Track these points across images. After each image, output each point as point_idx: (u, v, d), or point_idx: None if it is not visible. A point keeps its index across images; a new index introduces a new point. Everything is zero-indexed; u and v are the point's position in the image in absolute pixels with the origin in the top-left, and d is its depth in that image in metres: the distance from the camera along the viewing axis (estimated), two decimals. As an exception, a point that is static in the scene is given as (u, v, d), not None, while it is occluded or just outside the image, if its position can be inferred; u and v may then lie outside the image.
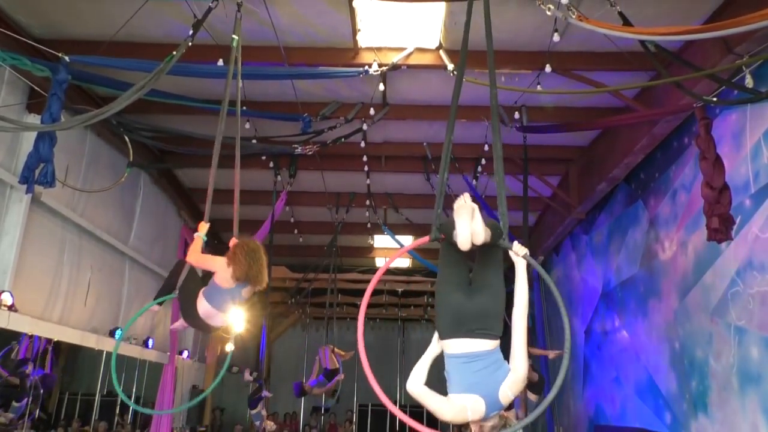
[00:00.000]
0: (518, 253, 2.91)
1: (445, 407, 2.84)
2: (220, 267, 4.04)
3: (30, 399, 7.08)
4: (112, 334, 7.84)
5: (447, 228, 3.03)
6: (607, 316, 8.34)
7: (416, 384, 2.95)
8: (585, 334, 9.14)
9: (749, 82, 4.68)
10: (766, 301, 4.82)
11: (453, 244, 2.98)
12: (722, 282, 5.45)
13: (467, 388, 2.82)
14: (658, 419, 6.67)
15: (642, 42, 4.72)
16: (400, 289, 14.29)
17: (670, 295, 6.47)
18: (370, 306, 16.93)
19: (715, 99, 5.08)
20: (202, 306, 4.09)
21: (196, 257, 4.14)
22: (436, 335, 3.10)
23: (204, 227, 4.33)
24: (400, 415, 2.92)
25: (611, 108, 7.01)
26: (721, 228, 4.80)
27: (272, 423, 10.60)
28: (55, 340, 6.95)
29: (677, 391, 6.25)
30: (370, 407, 15.99)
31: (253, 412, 9.90)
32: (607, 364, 8.24)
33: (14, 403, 6.87)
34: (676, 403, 6.26)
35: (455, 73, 5.73)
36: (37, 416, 7.42)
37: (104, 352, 8.11)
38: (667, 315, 6.53)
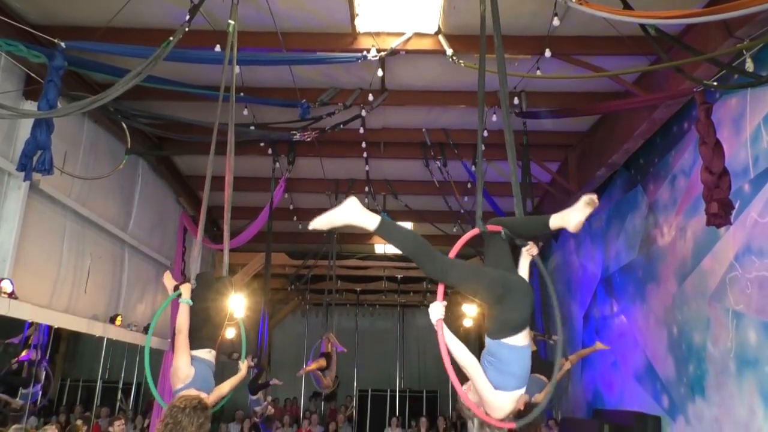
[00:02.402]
0: (532, 253, 3.11)
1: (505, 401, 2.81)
2: (178, 370, 3.66)
3: (41, 386, 7.14)
4: (112, 321, 7.88)
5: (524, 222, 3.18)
6: (606, 302, 8.38)
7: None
8: (583, 319, 9.18)
9: (749, 66, 4.65)
10: (764, 286, 4.84)
11: (506, 240, 3.09)
12: (720, 267, 5.46)
13: (526, 376, 2.88)
14: (655, 403, 6.72)
15: (642, 26, 4.69)
16: (399, 276, 14.33)
17: (668, 280, 6.49)
18: (369, 292, 16.94)
19: (715, 83, 5.06)
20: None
21: (184, 334, 3.73)
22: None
23: (187, 289, 3.90)
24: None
25: (611, 93, 6.98)
26: (720, 213, 4.80)
27: (272, 407, 10.69)
28: (56, 327, 6.96)
29: (675, 376, 6.29)
30: (369, 392, 16.08)
31: (253, 398, 9.96)
32: (606, 349, 8.29)
33: (22, 390, 6.92)
34: (674, 387, 6.31)
35: (454, 58, 5.73)
36: (39, 402, 7.46)
37: (105, 339, 8.14)
38: (665, 300, 6.56)
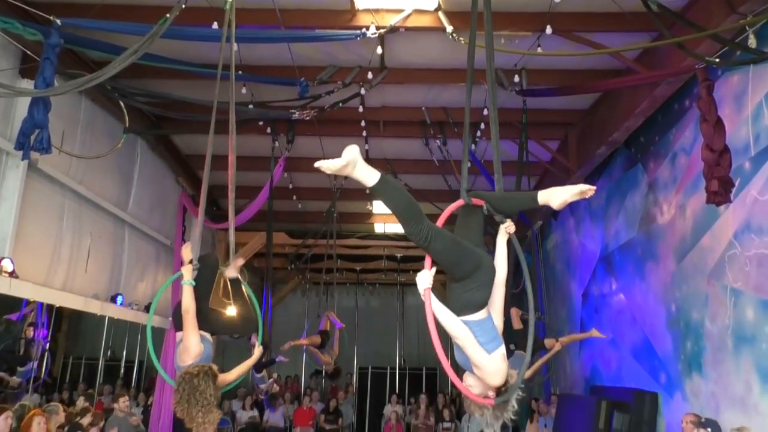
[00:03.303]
0: (509, 231, 3.15)
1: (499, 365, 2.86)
2: (190, 347, 3.71)
3: (35, 364, 7.18)
4: (113, 299, 7.92)
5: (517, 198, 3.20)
6: (605, 280, 8.42)
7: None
8: (582, 297, 9.23)
9: (752, 42, 4.61)
10: (762, 263, 4.86)
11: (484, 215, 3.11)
12: (720, 244, 5.48)
13: (497, 336, 2.91)
14: (653, 379, 6.79)
15: (644, 1, 4.64)
16: (399, 255, 14.36)
17: (667, 258, 6.52)
18: (369, 271, 16.95)
19: (717, 60, 5.02)
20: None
21: (192, 314, 3.76)
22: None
23: (188, 271, 3.86)
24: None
25: (612, 70, 6.93)
26: (721, 191, 4.79)
27: (277, 385, 10.83)
28: (57, 306, 6.99)
29: (672, 352, 6.35)
30: (370, 370, 16.24)
31: (258, 375, 10.05)
32: (604, 327, 8.33)
33: (19, 368, 6.97)
34: (671, 364, 6.37)
35: (454, 35, 5.67)
36: (40, 378, 7.52)
37: (106, 318, 8.19)
38: (664, 278, 6.59)
